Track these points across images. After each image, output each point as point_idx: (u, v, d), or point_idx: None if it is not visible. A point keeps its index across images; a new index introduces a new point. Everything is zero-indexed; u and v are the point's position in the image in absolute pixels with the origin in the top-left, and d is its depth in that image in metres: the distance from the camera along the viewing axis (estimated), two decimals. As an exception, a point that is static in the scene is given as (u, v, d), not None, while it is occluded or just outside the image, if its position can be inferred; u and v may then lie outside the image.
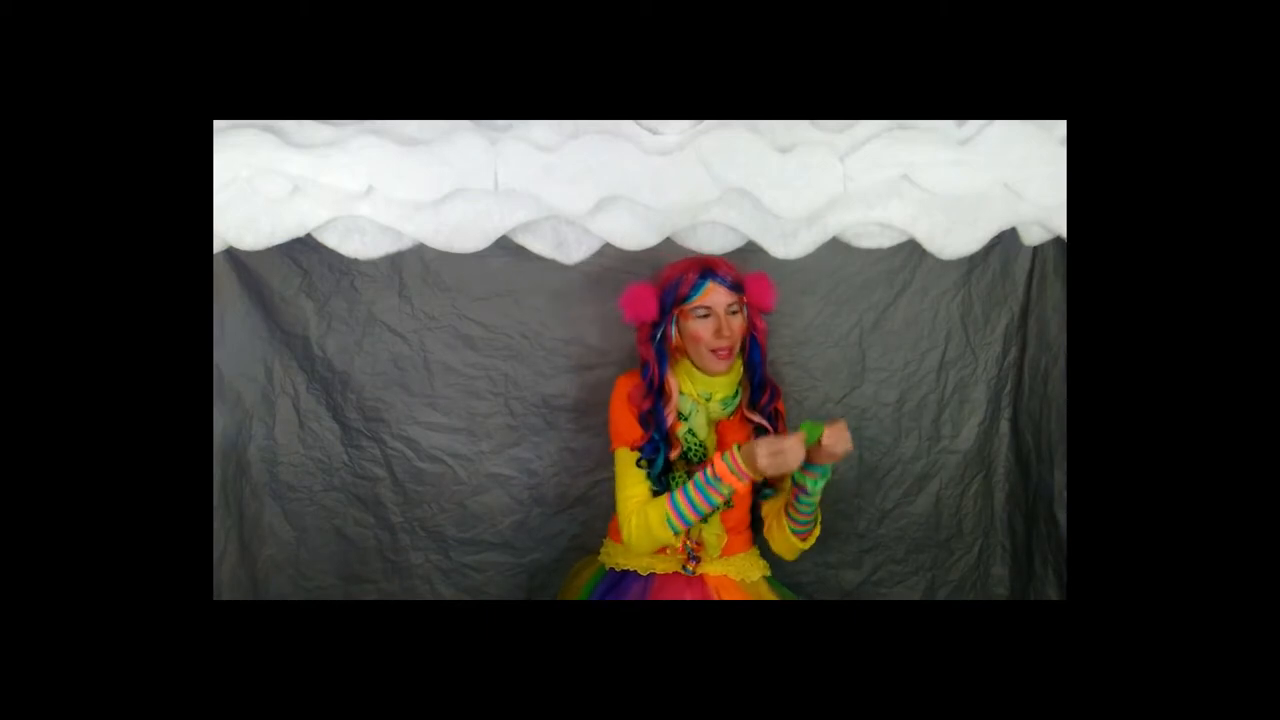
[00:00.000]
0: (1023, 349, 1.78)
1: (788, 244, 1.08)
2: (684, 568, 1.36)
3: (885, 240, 1.15)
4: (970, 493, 1.86)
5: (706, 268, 1.32)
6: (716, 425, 1.39)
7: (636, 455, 1.34)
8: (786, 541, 1.40)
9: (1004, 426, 1.83)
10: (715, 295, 1.31)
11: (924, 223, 1.09)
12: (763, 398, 1.39)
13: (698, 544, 1.36)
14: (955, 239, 1.12)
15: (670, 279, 1.35)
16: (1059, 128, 1.02)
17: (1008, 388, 1.82)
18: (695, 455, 1.36)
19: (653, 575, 1.37)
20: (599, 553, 1.50)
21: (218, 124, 0.95)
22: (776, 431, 1.38)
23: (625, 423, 1.37)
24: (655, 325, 1.34)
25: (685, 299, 1.32)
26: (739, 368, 1.40)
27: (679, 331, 1.35)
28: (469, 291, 1.68)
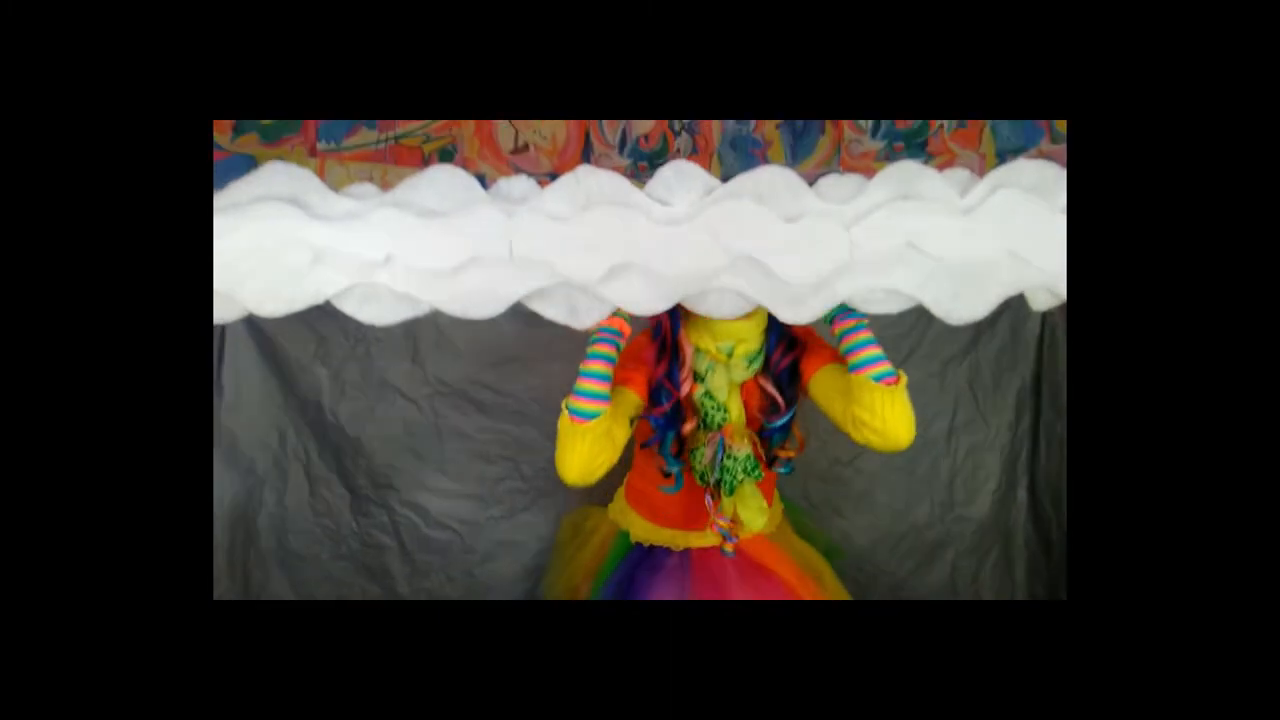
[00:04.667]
0: (1036, 415, 1.77)
1: (797, 309, 1.09)
2: (722, 550, 1.23)
3: (893, 306, 1.16)
4: (989, 564, 1.82)
5: None
6: (741, 388, 1.19)
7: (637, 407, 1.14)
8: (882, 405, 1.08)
9: (1021, 495, 1.80)
10: None
11: (931, 288, 1.11)
12: (776, 352, 1.17)
13: (733, 522, 1.20)
14: (963, 304, 1.13)
15: None
16: (1060, 196, 1.04)
17: (1023, 455, 1.80)
18: (714, 421, 1.17)
19: (689, 550, 1.25)
20: (605, 507, 1.36)
21: (242, 197, 0.98)
22: (787, 402, 1.16)
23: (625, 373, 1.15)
24: None
25: None
26: (764, 315, 1.18)
27: None
28: (481, 357, 1.71)
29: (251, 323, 1.61)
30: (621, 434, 1.14)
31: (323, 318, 1.64)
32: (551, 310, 1.08)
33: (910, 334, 1.76)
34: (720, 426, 1.18)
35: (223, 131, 1.77)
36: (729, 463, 1.18)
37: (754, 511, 1.19)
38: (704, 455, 1.19)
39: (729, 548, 1.23)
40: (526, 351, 1.71)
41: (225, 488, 1.59)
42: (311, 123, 1.85)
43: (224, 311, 0.97)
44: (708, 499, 1.20)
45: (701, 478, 1.20)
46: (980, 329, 1.76)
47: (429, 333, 1.69)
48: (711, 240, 1.01)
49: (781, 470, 1.26)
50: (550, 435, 1.72)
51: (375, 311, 1.05)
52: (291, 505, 1.70)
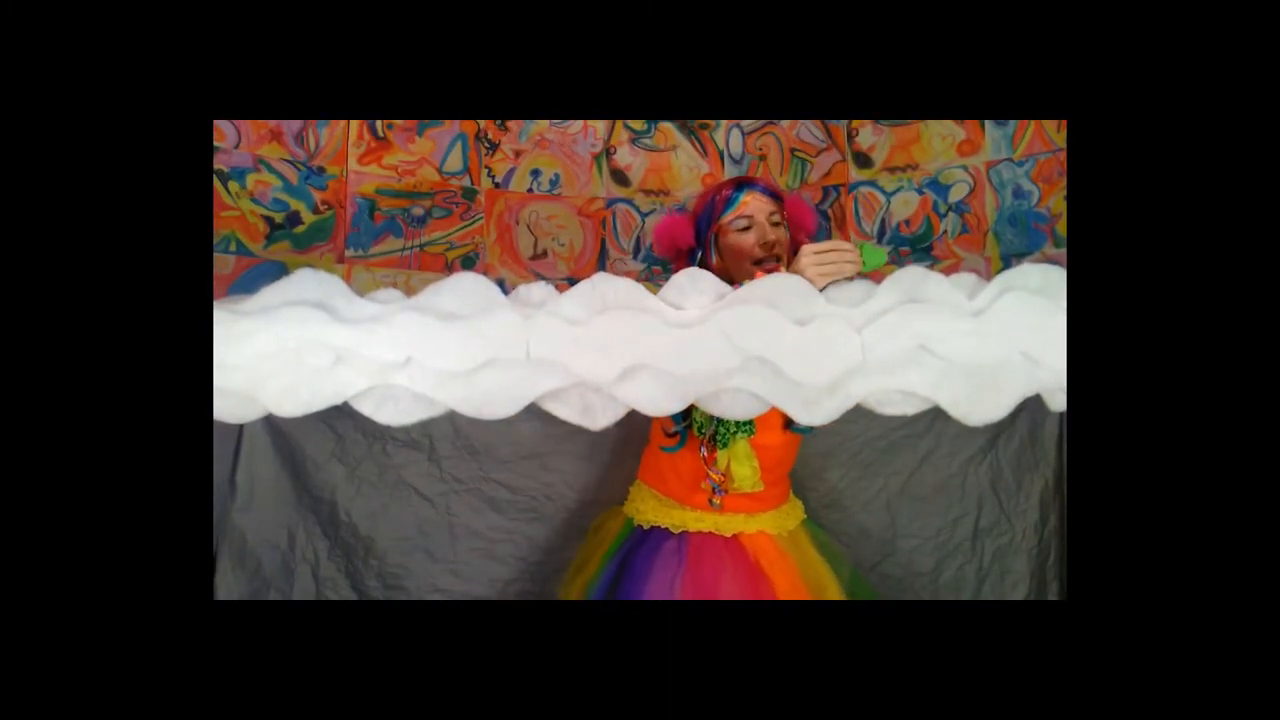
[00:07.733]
0: (1062, 518, 1.72)
1: (811, 410, 1.09)
2: (710, 501, 1.26)
3: (909, 407, 1.16)
4: (1023, 674, 1.73)
5: (742, 180, 1.25)
6: None
7: None
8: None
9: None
10: (755, 203, 1.21)
11: (945, 390, 1.11)
12: None
13: (724, 475, 1.24)
14: (980, 406, 1.12)
15: (704, 199, 1.25)
16: (1062, 300, 1.06)
17: (1051, 559, 1.74)
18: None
19: (685, 534, 1.25)
20: (623, 504, 1.37)
21: (272, 301, 1.02)
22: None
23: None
24: (692, 252, 1.25)
25: (722, 212, 1.21)
26: None
27: (719, 253, 1.22)
28: (496, 455, 1.71)
29: (269, 421, 1.63)
30: None
31: (341, 417, 1.65)
32: (565, 411, 1.08)
33: (927, 435, 1.74)
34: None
35: (255, 239, 1.86)
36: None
37: (746, 468, 1.24)
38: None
39: (717, 500, 1.26)
40: (541, 450, 1.71)
41: (230, 589, 1.56)
42: (340, 230, 1.94)
43: (244, 411, 0.99)
44: (702, 451, 1.25)
45: (700, 429, 1.26)
46: (999, 429, 1.74)
47: (445, 431, 1.70)
48: (724, 342, 1.03)
49: (804, 431, 1.29)
50: (562, 533, 1.70)
51: (392, 412, 1.06)
52: (298, 609, 1.67)
